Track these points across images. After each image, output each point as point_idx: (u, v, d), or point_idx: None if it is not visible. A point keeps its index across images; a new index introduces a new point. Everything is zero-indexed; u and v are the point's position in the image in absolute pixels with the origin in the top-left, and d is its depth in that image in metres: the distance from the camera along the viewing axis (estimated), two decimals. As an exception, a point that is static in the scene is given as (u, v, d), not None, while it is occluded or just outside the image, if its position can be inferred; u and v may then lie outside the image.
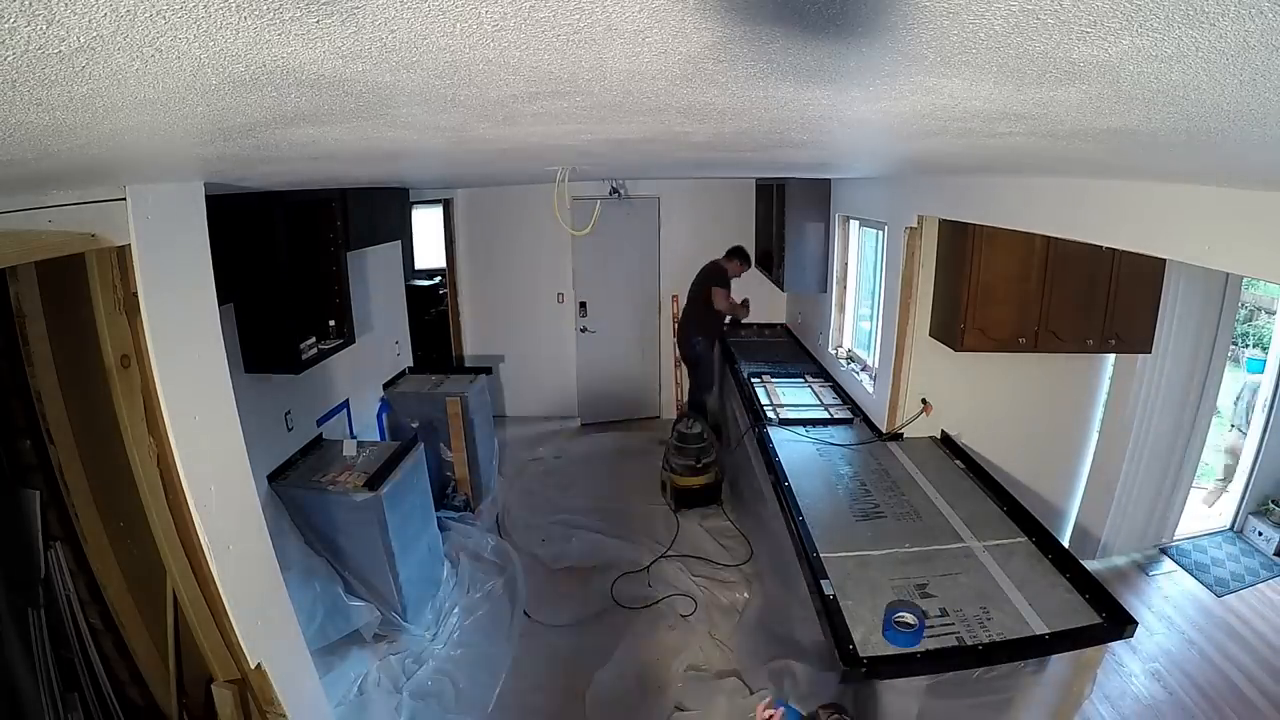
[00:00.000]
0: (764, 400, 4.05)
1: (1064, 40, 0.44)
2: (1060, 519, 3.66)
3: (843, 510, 2.79)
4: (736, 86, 0.64)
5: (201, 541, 1.79)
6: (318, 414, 3.56)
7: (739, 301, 5.09)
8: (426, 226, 6.11)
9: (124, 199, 1.55)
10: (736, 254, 5.06)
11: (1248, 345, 7.08)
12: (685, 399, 5.65)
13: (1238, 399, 5.06)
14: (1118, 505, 3.74)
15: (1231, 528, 4.22)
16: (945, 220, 2.94)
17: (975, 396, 3.28)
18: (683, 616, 3.42)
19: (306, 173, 1.90)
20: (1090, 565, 2.42)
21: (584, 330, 5.84)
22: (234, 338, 2.75)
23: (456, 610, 3.47)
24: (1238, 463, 4.37)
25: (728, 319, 5.21)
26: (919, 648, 1.97)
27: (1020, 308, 2.83)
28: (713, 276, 5.01)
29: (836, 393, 4.17)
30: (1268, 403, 4.12)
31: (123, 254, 1.59)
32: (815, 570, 2.32)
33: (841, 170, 3.25)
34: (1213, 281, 3.47)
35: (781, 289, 4.80)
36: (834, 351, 4.39)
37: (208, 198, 1.81)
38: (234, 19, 0.39)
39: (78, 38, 0.40)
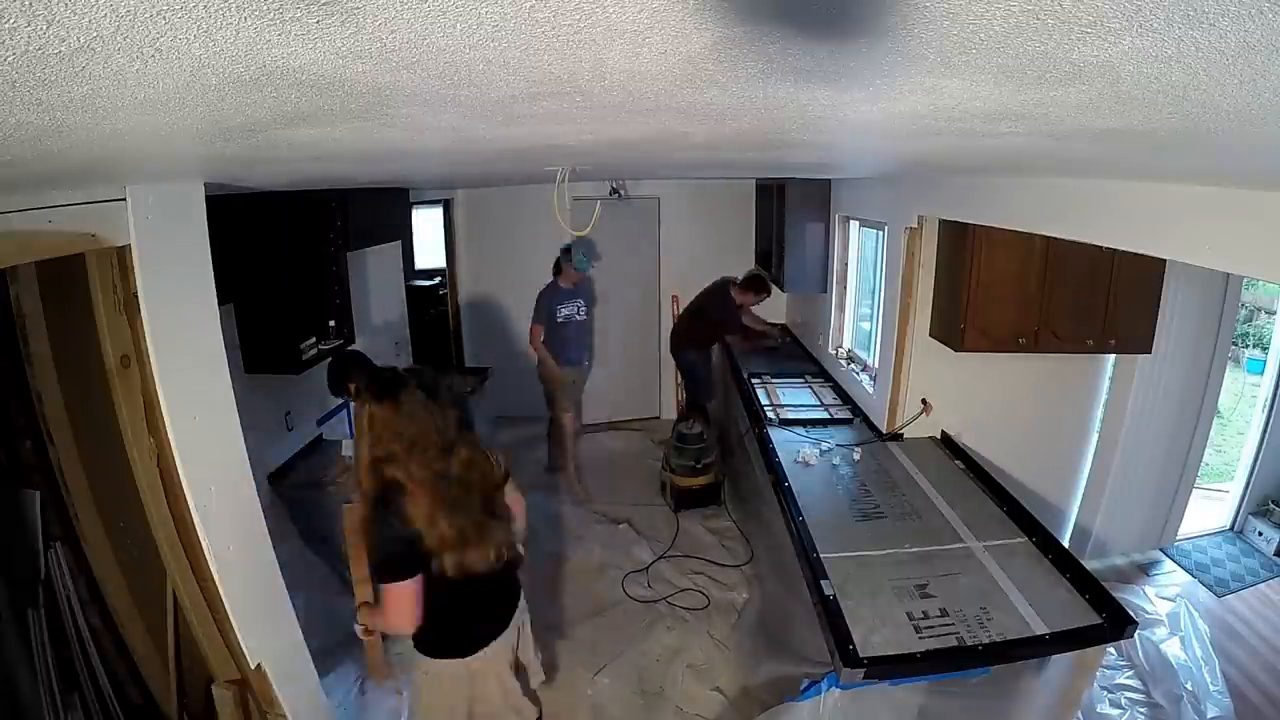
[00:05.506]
0: (764, 401, 4.04)
1: (1064, 40, 0.44)
2: (1060, 519, 3.65)
3: (843, 511, 2.78)
4: (736, 86, 0.64)
5: (201, 541, 1.79)
6: (318, 414, 3.56)
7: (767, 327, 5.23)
8: (426, 226, 6.09)
9: (124, 199, 1.55)
10: (752, 285, 4.89)
11: (1248, 345, 7.08)
12: (684, 400, 5.64)
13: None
14: (1118, 505, 3.73)
15: (1231, 528, 4.22)
16: (945, 220, 2.94)
17: (975, 396, 3.28)
18: (684, 617, 3.42)
19: (307, 173, 1.90)
20: (1090, 565, 2.41)
21: (584, 330, 5.83)
22: (234, 338, 2.75)
23: (456, 610, 3.47)
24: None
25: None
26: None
27: (1020, 308, 2.83)
28: (726, 317, 4.99)
29: (836, 393, 4.17)
30: (1267, 403, 4.12)
31: (123, 254, 1.59)
32: (815, 570, 2.31)
33: (842, 170, 3.25)
34: (1213, 281, 3.47)
35: (781, 289, 4.79)
36: (834, 352, 4.39)
37: (208, 198, 1.80)
38: (234, 19, 0.39)
39: (78, 38, 0.40)
